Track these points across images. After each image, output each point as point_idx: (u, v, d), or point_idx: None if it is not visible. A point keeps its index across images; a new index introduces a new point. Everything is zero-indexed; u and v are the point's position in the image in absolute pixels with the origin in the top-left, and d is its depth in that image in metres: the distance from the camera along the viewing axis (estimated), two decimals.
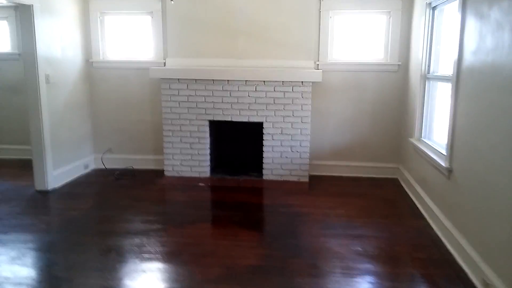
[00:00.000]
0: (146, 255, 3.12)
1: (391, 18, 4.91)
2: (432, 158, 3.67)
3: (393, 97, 5.04)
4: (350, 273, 2.90)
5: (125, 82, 5.34)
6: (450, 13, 3.83)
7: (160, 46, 5.21)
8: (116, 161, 5.45)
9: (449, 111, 3.33)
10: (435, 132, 4.13)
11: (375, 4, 4.90)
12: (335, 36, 5.05)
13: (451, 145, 3.28)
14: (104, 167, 5.42)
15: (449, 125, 3.32)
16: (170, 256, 3.12)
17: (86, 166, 5.30)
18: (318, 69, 5.02)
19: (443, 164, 3.40)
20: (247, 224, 3.72)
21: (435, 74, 4.09)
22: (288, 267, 2.95)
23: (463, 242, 2.99)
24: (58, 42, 4.73)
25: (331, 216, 3.92)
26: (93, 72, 5.36)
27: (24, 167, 5.15)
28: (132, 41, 5.35)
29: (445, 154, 3.41)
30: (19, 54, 5.53)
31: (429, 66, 4.20)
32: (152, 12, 5.17)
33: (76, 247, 3.26)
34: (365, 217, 3.88)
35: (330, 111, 5.16)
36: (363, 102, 5.10)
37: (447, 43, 3.89)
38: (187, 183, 4.87)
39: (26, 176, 4.83)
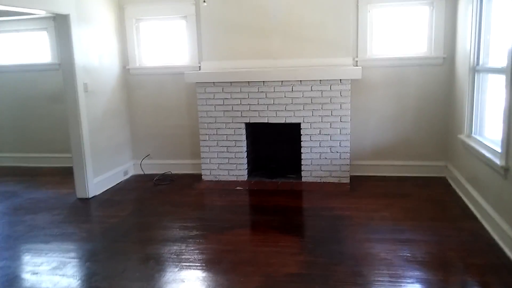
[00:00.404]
0: (185, 264, 3.05)
1: (434, 9, 4.63)
2: (485, 156, 3.40)
3: (438, 91, 4.76)
4: (398, 281, 2.72)
5: (162, 87, 5.35)
6: (501, 0, 3.55)
7: (195, 50, 5.18)
8: (155, 166, 5.47)
9: (503, 105, 3.07)
10: (487, 128, 3.85)
11: None
12: (374, 31, 4.83)
13: (507, 142, 3.02)
14: (143, 172, 5.45)
15: (504, 120, 3.06)
16: (209, 264, 3.05)
17: (125, 173, 5.35)
18: (357, 66, 4.82)
19: (498, 162, 3.14)
20: (287, 229, 3.59)
21: (486, 66, 3.80)
22: (332, 275, 2.79)
23: None
24: (95, 50, 4.79)
25: (376, 219, 3.72)
26: (130, 78, 5.40)
27: (65, 175, 5.26)
28: (167, 46, 5.35)
29: (500, 151, 3.15)
30: (59, 64, 5.65)
31: (478, 57, 3.91)
32: (186, 16, 5.14)
33: (115, 256, 3.24)
34: (413, 220, 3.66)
35: (371, 108, 4.95)
36: (406, 98, 4.85)
37: (498, 32, 3.61)
38: (225, 187, 4.80)
39: (68, 184, 4.92)
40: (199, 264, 3.05)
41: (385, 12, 4.80)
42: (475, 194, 3.76)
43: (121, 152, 5.30)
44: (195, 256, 3.17)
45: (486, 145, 3.54)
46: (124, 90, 5.38)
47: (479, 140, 3.78)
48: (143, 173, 5.45)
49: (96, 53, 4.82)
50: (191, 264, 3.05)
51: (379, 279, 2.75)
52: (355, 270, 2.85)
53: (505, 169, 3.03)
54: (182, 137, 5.41)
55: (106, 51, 5.01)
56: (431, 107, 4.81)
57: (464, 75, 4.14)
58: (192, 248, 3.29)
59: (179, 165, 5.44)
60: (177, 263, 3.06)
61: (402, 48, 4.83)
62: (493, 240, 3.19)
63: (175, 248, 3.31)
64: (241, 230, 3.62)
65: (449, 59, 4.65)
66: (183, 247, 3.31)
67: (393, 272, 2.81)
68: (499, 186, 3.19)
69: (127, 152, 5.45)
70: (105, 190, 4.85)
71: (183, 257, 3.15)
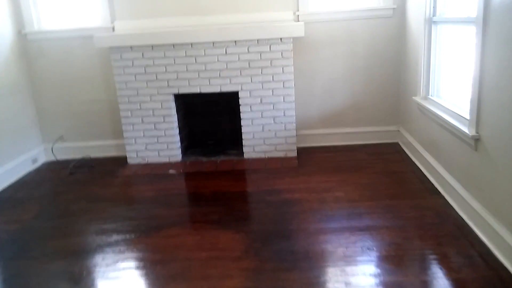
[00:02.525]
0: (98, 284, 2.40)
1: None
2: (450, 123, 2.95)
3: (389, 48, 4.26)
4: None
5: (70, 54, 4.42)
6: None
7: (106, 7, 4.28)
8: (70, 150, 4.62)
9: (473, 62, 2.59)
10: (446, 88, 3.41)
11: None
12: None
13: (478, 107, 2.57)
14: (55, 159, 4.60)
15: (474, 81, 2.59)
16: (129, 285, 2.41)
17: (34, 160, 4.47)
18: (298, 21, 4.19)
19: (467, 131, 2.69)
20: (228, 223, 3.01)
21: (445, 16, 3.31)
22: (283, 287, 2.27)
23: (502, 232, 2.34)
24: None
25: (329, 201, 3.23)
26: (28, 46, 4.41)
27: None
28: (72, 4, 4.38)
29: (469, 118, 2.70)
30: None
31: (435, 7, 3.41)
32: None
33: (8, 280, 2.51)
34: (370, 200, 3.21)
35: (317, 70, 4.37)
36: (354, 56, 4.31)
37: None
38: (155, 172, 4.11)
39: None
40: (115, 285, 2.40)
41: None
42: (435, 164, 3.37)
43: (26, 136, 4.39)
44: (113, 273, 2.51)
45: (448, 109, 3.10)
46: (23, 60, 4.41)
47: (437, 103, 3.35)
48: (55, 159, 4.61)
49: None
50: (105, 284, 2.40)
51: (340, 287, 2.26)
52: (310, 277, 2.34)
53: (476, 139, 2.60)
54: (100, 114, 4.58)
55: None
56: (382, 66, 4.32)
57: (418, 28, 3.65)
58: (109, 262, 2.63)
59: (100, 147, 4.64)
60: (87, 285, 2.40)
61: None
62: (462, 220, 2.80)
63: (87, 262, 2.63)
64: (172, 230, 2.99)
65: (399, 10, 4.14)
66: (98, 261, 2.64)
67: (356, 276, 2.34)
68: (468, 158, 2.77)
69: (34, 135, 4.55)
70: (7, 185, 4.00)
71: (96, 276, 2.49)
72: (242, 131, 4.24)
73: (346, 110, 4.46)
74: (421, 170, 3.67)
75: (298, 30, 3.89)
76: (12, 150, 4.16)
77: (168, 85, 4.13)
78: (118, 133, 4.50)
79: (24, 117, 4.39)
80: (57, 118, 4.60)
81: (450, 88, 3.31)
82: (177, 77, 4.10)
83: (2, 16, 4.14)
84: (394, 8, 4.13)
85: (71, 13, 4.39)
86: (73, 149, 4.62)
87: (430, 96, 3.55)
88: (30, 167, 4.39)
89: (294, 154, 4.25)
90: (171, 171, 4.10)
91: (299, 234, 2.79)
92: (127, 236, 2.93)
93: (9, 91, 4.18)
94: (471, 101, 2.64)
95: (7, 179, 4.04)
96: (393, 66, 4.29)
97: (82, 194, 3.70)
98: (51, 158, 4.62)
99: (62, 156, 4.60)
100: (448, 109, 3.11)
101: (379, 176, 3.65)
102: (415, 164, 3.82)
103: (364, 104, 4.43)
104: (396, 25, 4.18)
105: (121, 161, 4.39)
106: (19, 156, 4.25)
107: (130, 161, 4.36)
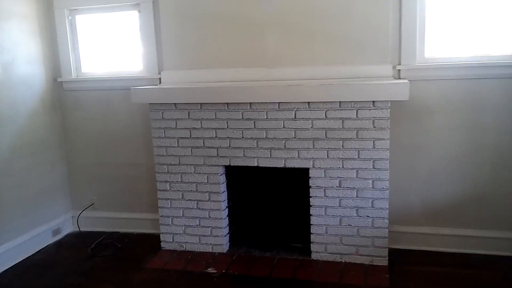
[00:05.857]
0: None
1: None
2: None
3: None
4: None
5: (109, 108, 3.68)
6: None
7: (154, 54, 3.49)
8: (100, 221, 3.81)
9: None
10: None
11: None
12: (428, 20, 3.01)
13: None
14: (79, 231, 3.80)
15: None
16: None
17: (56, 232, 3.69)
18: (400, 78, 3.03)
19: None
20: None
21: None
22: None
23: None
24: None
25: None
26: (64, 96, 3.75)
27: None
28: (116, 49, 3.68)
29: None
30: None
31: None
32: (139, 4, 3.46)
33: None
34: None
35: (422, 146, 3.12)
36: (480, 130, 3.00)
37: None
38: (191, 268, 3.07)
39: None
40: None
41: None
42: None
43: (49, 202, 3.64)
44: None
45: None
46: (55, 113, 3.73)
47: None
48: (79, 231, 3.80)
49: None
50: None
51: None
52: None
53: None
54: (138, 181, 3.73)
55: (21, 57, 3.37)
56: None
57: None
58: None
59: (134, 221, 3.76)
60: None
61: (471, 46, 3.00)
62: None
63: None
64: None
65: None
66: None
67: None
68: None
69: (60, 201, 3.78)
70: (14, 263, 3.23)
71: None
72: (311, 222, 3.09)
73: (464, 204, 3.11)
74: None
75: (400, 90, 2.72)
76: (25, 221, 3.39)
77: (217, 154, 3.16)
78: (156, 206, 3.57)
79: (48, 180, 3.63)
80: (89, 181, 3.83)
81: None
82: (229, 145, 3.12)
83: (36, 62, 3.52)
84: None
85: (115, 60, 3.67)
86: (103, 220, 3.80)
87: None
88: (48, 241, 3.61)
89: (385, 262, 2.97)
90: (210, 270, 3.03)
91: None
92: None
93: (37, 148, 3.51)
94: None
95: (16, 256, 3.28)
96: None
97: None
98: (77, 229, 3.82)
99: (90, 227, 3.80)
100: None
101: None
102: None
103: (493, 198, 3.05)
104: None
105: (155, 243, 3.43)
106: (34, 228, 3.47)
107: (164, 245, 3.39)
